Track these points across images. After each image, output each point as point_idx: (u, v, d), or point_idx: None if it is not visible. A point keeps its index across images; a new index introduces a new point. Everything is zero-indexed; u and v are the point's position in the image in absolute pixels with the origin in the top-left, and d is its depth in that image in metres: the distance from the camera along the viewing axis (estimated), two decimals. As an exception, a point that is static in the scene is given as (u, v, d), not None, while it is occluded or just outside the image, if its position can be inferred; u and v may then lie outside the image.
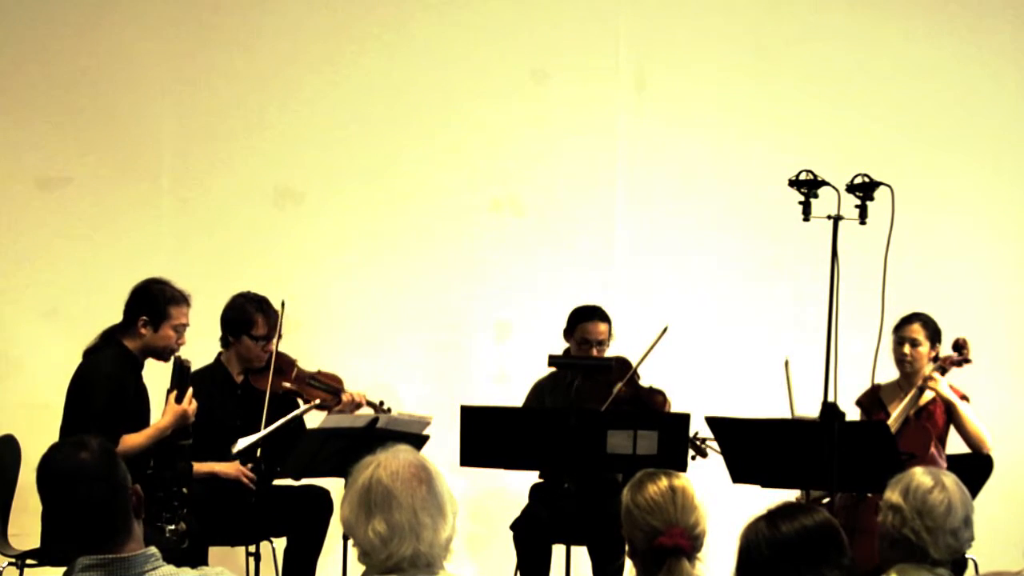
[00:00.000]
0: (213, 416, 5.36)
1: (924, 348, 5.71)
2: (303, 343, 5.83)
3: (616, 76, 6.95)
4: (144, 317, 5.11)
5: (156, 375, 5.26)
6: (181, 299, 5.18)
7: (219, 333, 5.63)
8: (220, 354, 5.60)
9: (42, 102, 6.57)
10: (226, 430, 5.43)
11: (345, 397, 5.58)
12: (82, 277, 6.29)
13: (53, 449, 2.87)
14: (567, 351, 5.88)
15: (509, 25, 6.91)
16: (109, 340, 5.15)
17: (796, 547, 2.79)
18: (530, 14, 6.92)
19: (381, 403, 5.67)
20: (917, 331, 5.71)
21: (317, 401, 5.50)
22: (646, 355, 5.57)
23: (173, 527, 4.85)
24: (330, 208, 6.81)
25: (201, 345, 5.60)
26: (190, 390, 5.03)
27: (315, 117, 6.78)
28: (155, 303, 5.13)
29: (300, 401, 5.61)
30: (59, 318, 6.31)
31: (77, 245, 6.52)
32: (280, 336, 5.59)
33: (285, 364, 5.61)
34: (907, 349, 5.72)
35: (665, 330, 5.55)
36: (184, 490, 4.93)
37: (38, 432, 5.10)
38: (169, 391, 5.03)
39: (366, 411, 5.60)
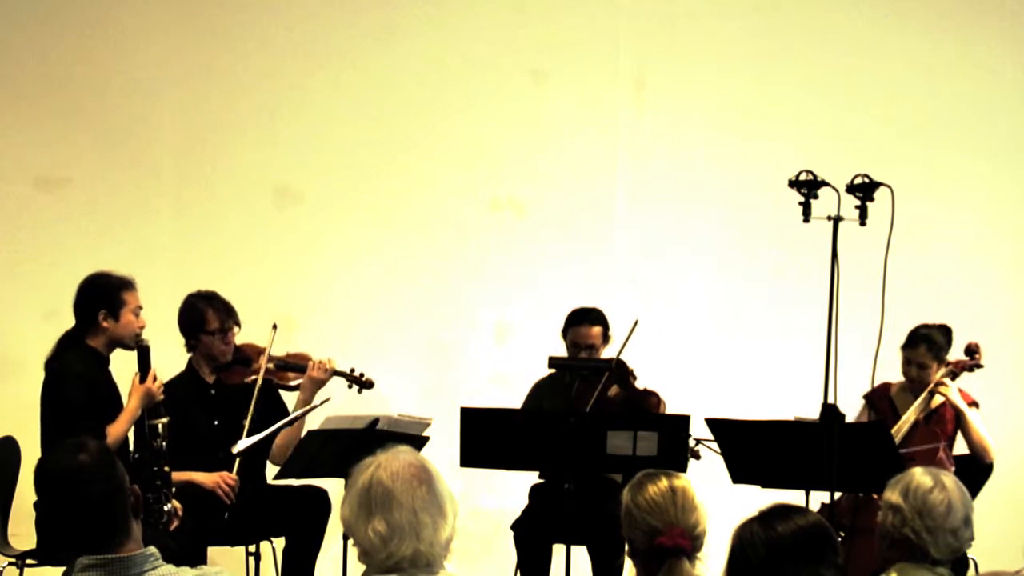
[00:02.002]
0: (190, 421, 5.36)
1: (931, 369, 5.71)
2: (302, 343, 5.83)
3: (616, 76, 6.96)
4: (103, 311, 5.14)
5: (121, 371, 5.27)
6: (129, 283, 5.22)
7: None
8: (190, 360, 5.60)
9: (42, 102, 6.57)
10: (205, 433, 5.44)
11: (311, 364, 5.60)
12: (82, 277, 6.26)
13: (51, 451, 2.87)
14: None
15: (509, 25, 6.91)
16: (71, 343, 5.16)
17: (793, 547, 2.79)
18: (530, 14, 6.92)
19: (352, 370, 5.69)
20: (923, 355, 5.70)
21: (318, 403, 5.50)
22: (621, 349, 5.54)
23: (161, 506, 4.85)
24: (330, 208, 6.82)
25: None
26: (153, 368, 5.05)
27: (315, 117, 6.78)
28: (108, 294, 5.16)
29: (276, 381, 5.64)
30: (59, 318, 6.28)
31: (77, 245, 6.51)
32: (274, 361, 5.59)
33: (252, 353, 5.63)
34: (914, 373, 5.72)
35: (636, 323, 5.52)
36: (166, 468, 4.94)
37: (38, 433, 5.10)
38: (135, 375, 5.06)
39: (347, 397, 5.62)
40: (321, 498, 5.52)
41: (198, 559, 5.08)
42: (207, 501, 5.27)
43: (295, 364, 5.67)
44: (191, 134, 6.70)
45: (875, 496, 5.20)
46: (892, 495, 3.43)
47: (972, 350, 5.73)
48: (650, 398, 5.65)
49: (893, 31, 7.02)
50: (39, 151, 6.55)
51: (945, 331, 5.76)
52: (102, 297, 5.16)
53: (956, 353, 5.77)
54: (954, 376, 5.68)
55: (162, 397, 5.05)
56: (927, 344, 5.69)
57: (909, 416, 5.63)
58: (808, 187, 4.93)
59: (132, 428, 5.08)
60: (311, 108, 6.78)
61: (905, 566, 3.38)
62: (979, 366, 5.72)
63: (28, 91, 6.57)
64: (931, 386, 5.65)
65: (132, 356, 5.13)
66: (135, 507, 2.81)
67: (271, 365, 5.60)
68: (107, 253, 6.33)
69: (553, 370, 5.80)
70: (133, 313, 5.18)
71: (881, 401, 5.80)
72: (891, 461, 4.68)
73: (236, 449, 5.33)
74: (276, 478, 5.40)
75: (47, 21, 6.58)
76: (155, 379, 5.04)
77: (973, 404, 5.74)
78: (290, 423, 5.47)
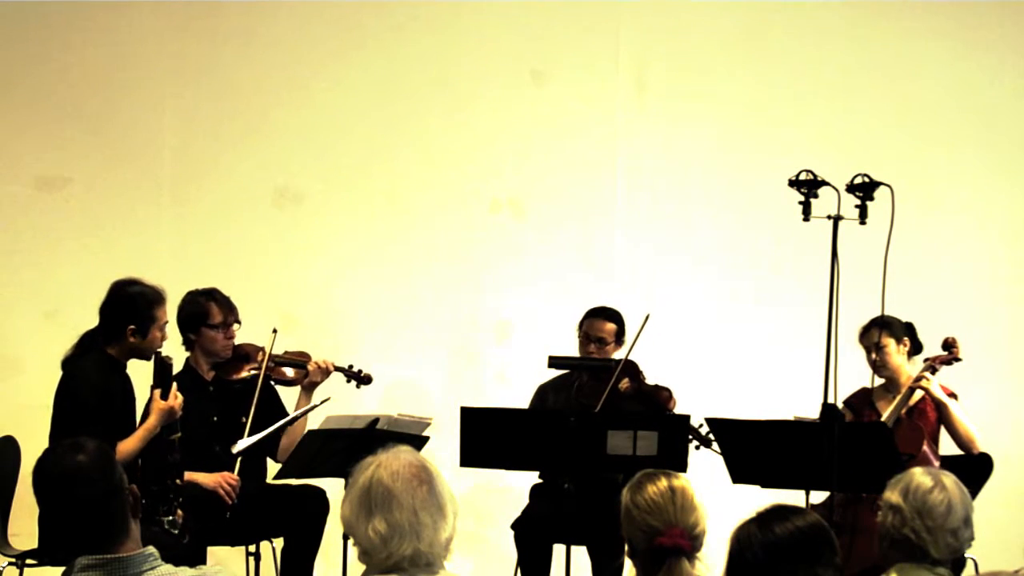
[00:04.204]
0: (190, 419, 5.36)
1: (891, 347, 5.70)
2: (301, 344, 5.83)
3: (616, 76, 6.96)
4: (132, 326, 5.03)
5: (135, 374, 5.25)
6: (161, 298, 5.13)
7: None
8: (188, 358, 5.59)
9: (42, 103, 6.57)
10: (204, 429, 5.44)
11: (311, 366, 5.62)
12: (82, 277, 6.28)
13: (49, 451, 2.87)
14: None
15: (509, 25, 6.91)
16: (89, 346, 5.09)
17: (791, 548, 2.79)
18: (530, 14, 6.92)
19: (351, 367, 5.71)
20: (877, 335, 5.66)
21: (318, 403, 5.51)
22: (633, 345, 5.56)
23: (170, 519, 4.85)
24: (330, 209, 6.82)
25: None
26: (174, 385, 5.03)
27: (315, 117, 6.78)
28: (139, 310, 5.05)
29: (275, 377, 5.64)
30: (59, 318, 6.31)
31: (77, 245, 6.51)
32: (272, 359, 5.59)
33: (250, 349, 5.63)
34: (875, 356, 5.71)
35: (647, 317, 5.54)
36: (178, 481, 4.93)
37: (38, 432, 5.10)
38: (153, 388, 5.03)
39: (345, 392, 5.62)
40: (319, 498, 5.52)
41: (198, 559, 5.08)
42: (208, 501, 5.27)
43: (293, 361, 5.68)
44: (191, 134, 6.69)
45: (864, 495, 5.21)
46: (892, 495, 3.43)
47: (949, 344, 5.74)
48: (662, 392, 5.66)
49: (893, 31, 7.02)
50: (39, 151, 6.55)
51: (902, 322, 5.74)
52: (134, 313, 5.04)
53: (934, 349, 5.76)
54: (933, 371, 5.68)
55: (181, 414, 5.03)
56: (879, 326, 5.64)
57: (891, 413, 5.62)
58: (808, 186, 4.94)
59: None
60: (311, 108, 6.78)
61: (905, 566, 3.38)
62: (957, 359, 5.72)
63: (28, 91, 6.57)
64: (911, 382, 5.65)
65: (144, 365, 5.12)
66: (134, 507, 2.81)
67: (271, 362, 5.61)
68: (107, 253, 6.35)
69: (554, 372, 5.81)
70: (160, 329, 5.11)
71: (862, 405, 5.79)
72: (891, 461, 4.68)
73: (236, 449, 5.33)
74: (276, 478, 5.40)
75: (48, 22, 6.58)
76: (176, 396, 5.01)
77: (952, 396, 5.74)
78: (290, 423, 5.48)
